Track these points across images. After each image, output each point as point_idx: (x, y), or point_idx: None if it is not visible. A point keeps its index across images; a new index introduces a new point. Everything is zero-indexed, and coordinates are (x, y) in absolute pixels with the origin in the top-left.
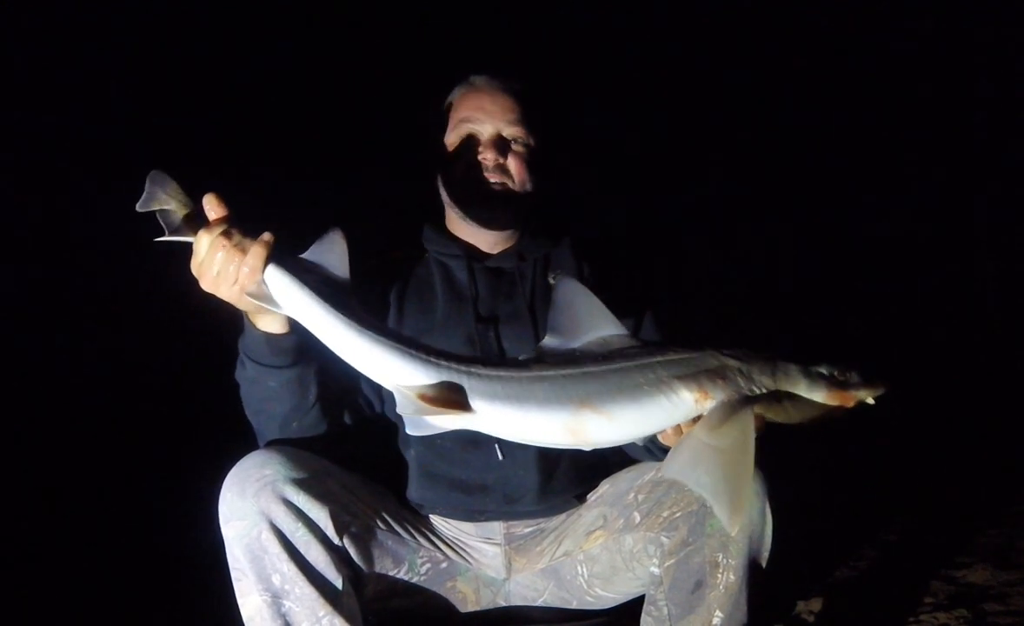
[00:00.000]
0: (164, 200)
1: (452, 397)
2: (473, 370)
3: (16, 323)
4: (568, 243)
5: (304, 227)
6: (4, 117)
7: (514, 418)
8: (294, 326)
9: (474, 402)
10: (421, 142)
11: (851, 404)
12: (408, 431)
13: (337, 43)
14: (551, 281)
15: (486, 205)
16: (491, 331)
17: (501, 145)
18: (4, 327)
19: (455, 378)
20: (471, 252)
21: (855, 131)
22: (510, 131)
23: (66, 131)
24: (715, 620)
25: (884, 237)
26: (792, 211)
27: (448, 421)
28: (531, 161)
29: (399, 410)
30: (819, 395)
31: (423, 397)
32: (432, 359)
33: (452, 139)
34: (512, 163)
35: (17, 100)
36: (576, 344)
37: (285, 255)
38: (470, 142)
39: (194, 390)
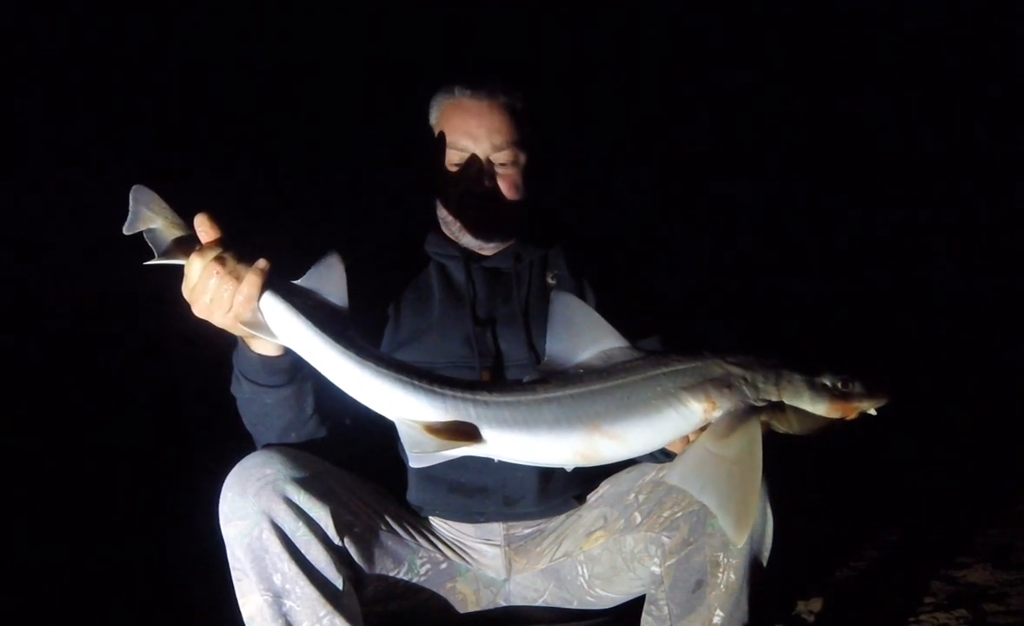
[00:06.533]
0: (150, 218)
1: (460, 428)
2: (479, 397)
3: (16, 324)
4: (565, 243)
5: (303, 226)
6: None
7: (525, 444)
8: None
9: (483, 431)
10: (412, 150)
11: (853, 415)
12: (412, 465)
13: (336, 43)
14: (550, 281)
15: (479, 231)
16: (488, 332)
17: (490, 173)
18: (5, 327)
19: (461, 407)
20: (468, 252)
21: (855, 131)
22: (499, 155)
23: (64, 138)
24: (716, 619)
25: (884, 236)
26: (790, 212)
27: (456, 452)
28: (522, 176)
29: (404, 444)
30: (822, 406)
31: (430, 430)
32: (436, 388)
33: (441, 160)
34: (502, 185)
35: (13, 101)
36: (578, 360)
37: (281, 282)
38: (459, 167)
39: (194, 390)
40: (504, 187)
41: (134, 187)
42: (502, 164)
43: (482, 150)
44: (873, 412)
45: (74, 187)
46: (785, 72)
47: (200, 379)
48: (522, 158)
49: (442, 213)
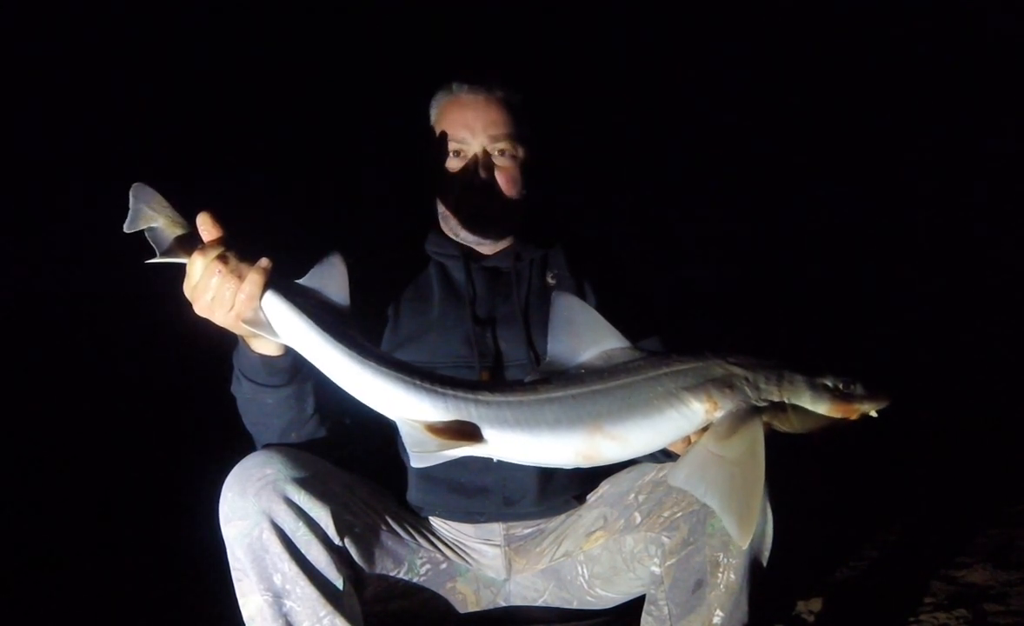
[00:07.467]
0: (151, 217)
1: (461, 427)
2: (480, 397)
3: (17, 324)
4: (565, 242)
5: (304, 226)
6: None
7: (526, 444)
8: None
9: (484, 430)
10: (413, 150)
11: (855, 417)
12: (413, 464)
13: (336, 43)
14: (550, 281)
15: (477, 224)
16: (488, 332)
17: (487, 165)
18: (6, 328)
19: (462, 406)
20: (468, 252)
21: (855, 131)
22: (496, 147)
23: (63, 135)
24: (716, 619)
25: (884, 236)
26: (791, 212)
27: (457, 452)
28: (520, 170)
29: (406, 443)
30: (823, 406)
31: (431, 429)
32: (437, 388)
33: (441, 157)
34: (500, 178)
35: (11, 103)
36: (579, 360)
37: (283, 281)
38: (457, 161)
39: (194, 390)
40: (502, 180)
41: (134, 185)
42: (500, 154)
43: (479, 142)
44: (874, 414)
45: (73, 187)
46: (786, 72)
47: (200, 379)
48: (520, 152)
49: (441, 209)
